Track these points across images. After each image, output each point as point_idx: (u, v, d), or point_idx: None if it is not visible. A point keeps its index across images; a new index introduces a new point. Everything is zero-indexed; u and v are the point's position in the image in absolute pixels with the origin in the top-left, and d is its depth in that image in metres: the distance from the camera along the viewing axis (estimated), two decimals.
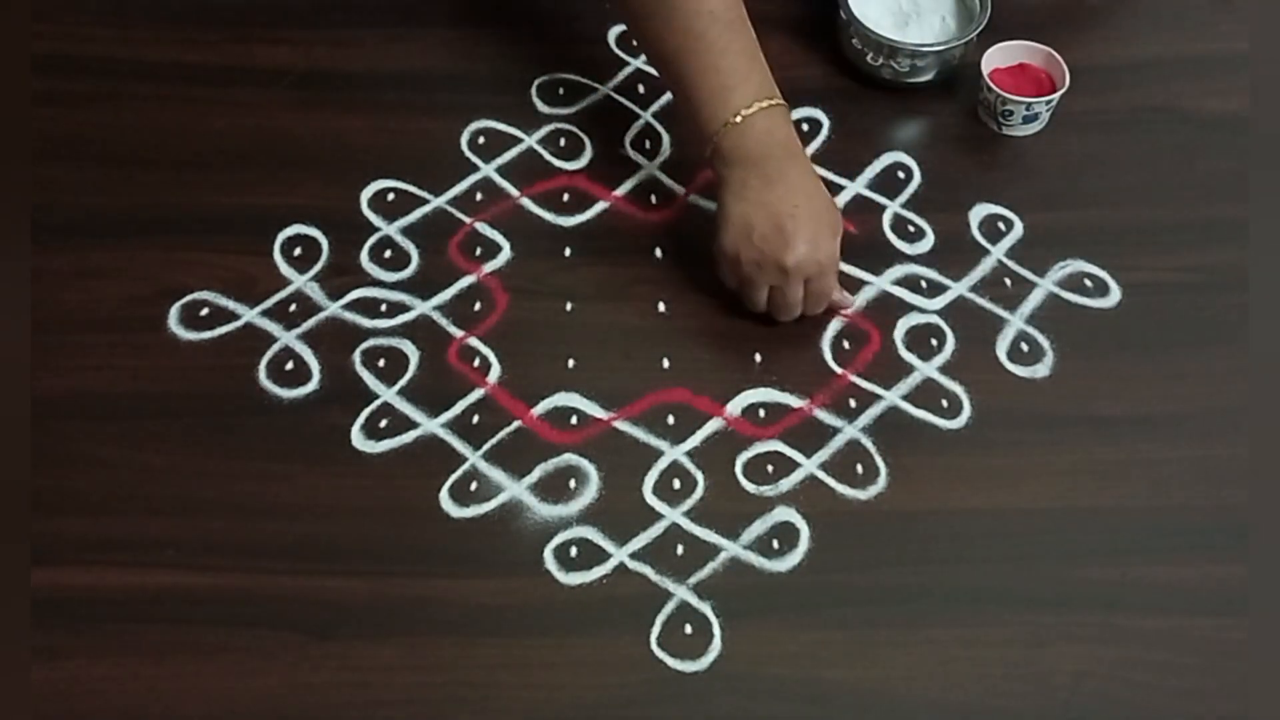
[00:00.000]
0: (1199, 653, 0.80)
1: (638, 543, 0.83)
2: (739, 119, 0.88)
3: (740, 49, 0.89)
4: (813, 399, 0.90)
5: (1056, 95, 1.02)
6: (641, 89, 1.07)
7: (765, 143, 0.88)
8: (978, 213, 1.00)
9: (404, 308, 0.94)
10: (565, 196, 1.00)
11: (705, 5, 0.88)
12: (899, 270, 0.97)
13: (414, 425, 0.88)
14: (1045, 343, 0.93)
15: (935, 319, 0.94)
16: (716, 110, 0.88)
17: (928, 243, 0.98)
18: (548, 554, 0.83)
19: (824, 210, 0.90)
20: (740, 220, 0.89)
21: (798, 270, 0.88)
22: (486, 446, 0.87)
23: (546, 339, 0.93)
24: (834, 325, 0.94)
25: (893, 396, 0.90)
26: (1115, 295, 0.96)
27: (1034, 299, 0.95)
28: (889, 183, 1.02)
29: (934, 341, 0.93)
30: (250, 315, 0.93)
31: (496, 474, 0.86)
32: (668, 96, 1.06)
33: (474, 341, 0.92)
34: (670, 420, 0.89)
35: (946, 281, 0.96)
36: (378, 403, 0.89)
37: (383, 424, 0.88)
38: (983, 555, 0.84)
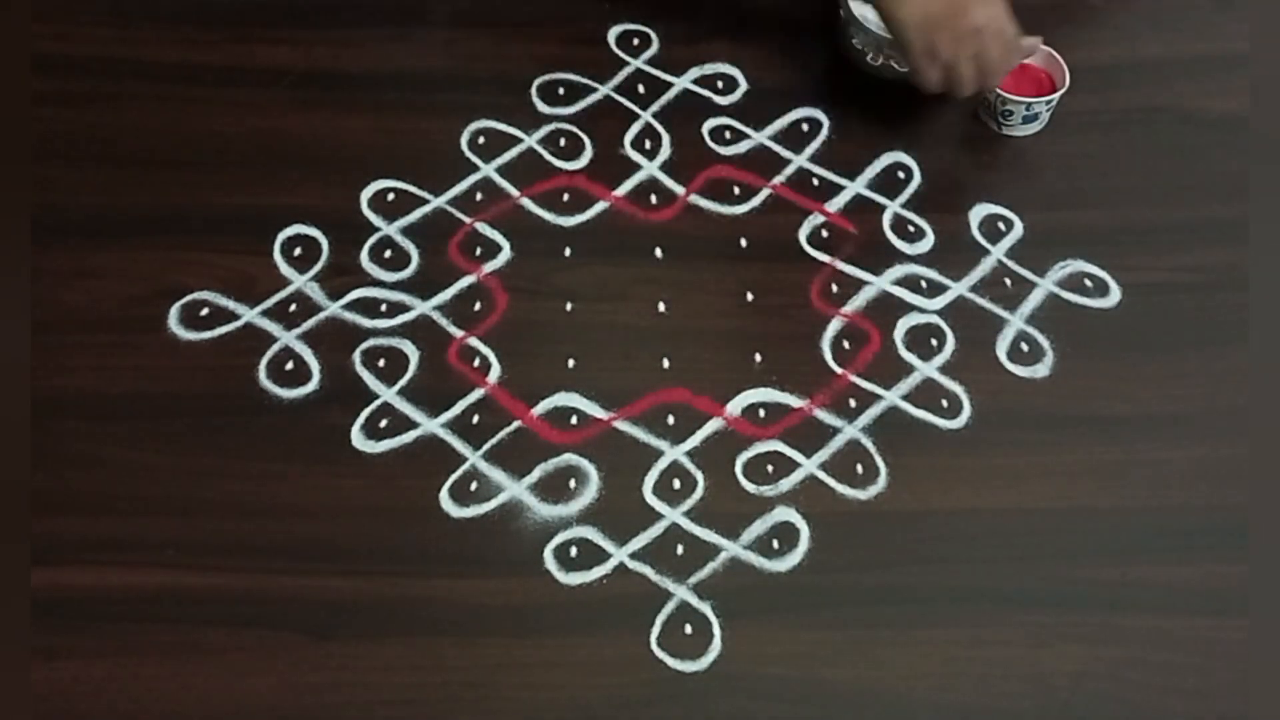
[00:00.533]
0: (1199, 653, 0.80)
1: (638, 543, 0.83)
2: None
3: None
4: (813, 399, 0.90)
5: (1056, 95, 1.02)
6: (641, 89, 1.07)
7: None
8: (978, 213, 1.00)
9: (404, 308, 0.94)
10: (565, 196, 1.00)
11: None
12: (899, 270, 0.97)
13: (414, 425, 0.88)
14: (1045, 343, 0.93)
15: (935, 319, 0.94)
16: None
17: (928, 243, 0.98)
18: (548, 554, 0.83)
19: None
20: (917, 13, 0.93)
21: (988, 26, 0.92)
22: (486, 446, 0.87)
23: (546, 339, 0.93)
24: (834, 325, 0.94)
25: (893, 396, 0.90)
26: (1115, 295, 0.96)
27: (1034, 299, 0.95)
28: (889, 183, 1.02)
29: (934, 341, 0.93)
30: (250, 315, 0.93)
31: (496, 474, 0.86)
32: (668, 96, 1.06)
33: (474, 341, 0.92)
34: (670, 420, 0.89)
35: (946, 281, 0.96)
36: (378, 403, 0.89)
37: (383, 424, 0.88)
38: (983, 555, 0.84)
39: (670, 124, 1.04)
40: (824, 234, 0.98)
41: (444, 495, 0.85)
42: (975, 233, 0.99)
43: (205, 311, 0.93)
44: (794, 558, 0.83)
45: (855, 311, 0.94)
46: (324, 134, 1.02)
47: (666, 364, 0.91)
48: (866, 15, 1.04)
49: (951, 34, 0.93)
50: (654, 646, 0.79)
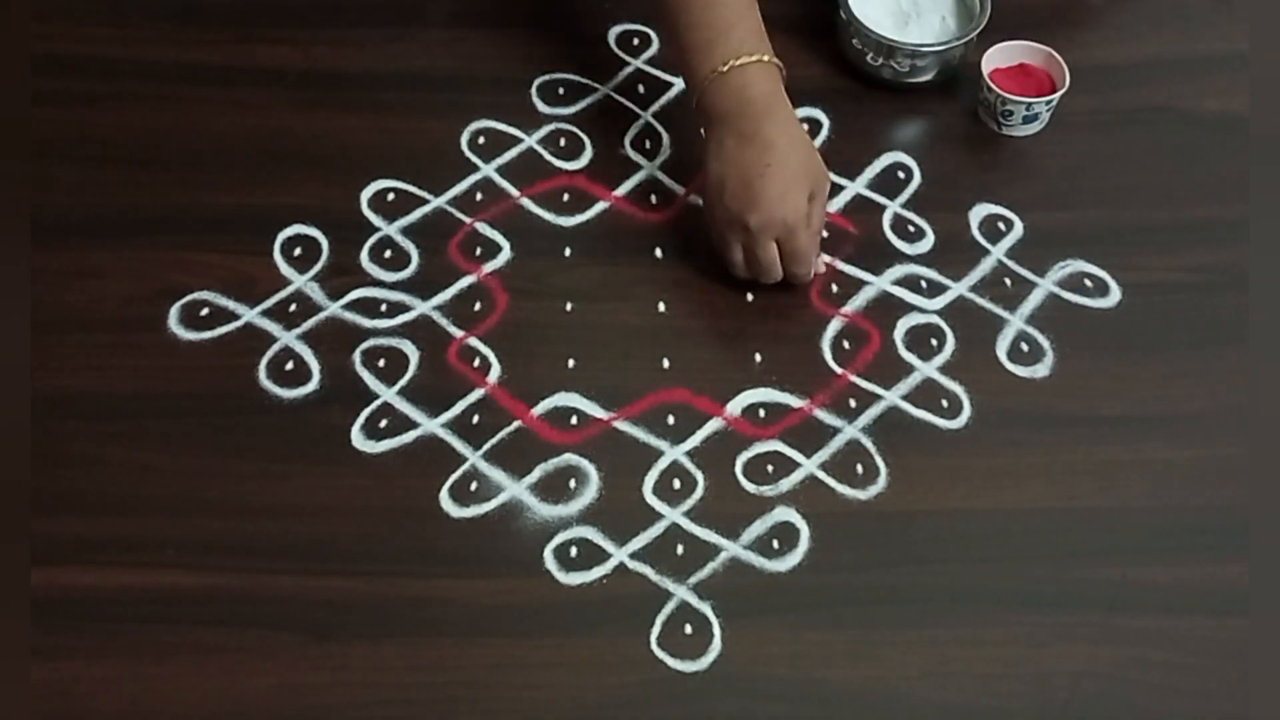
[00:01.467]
0: (1199, 653, 0.80)
1: (638, 543, 0.83)
2: (717, 73, 0.89)
3: (729, 1, 0.91)
4: (813, 399, 0.90)
5: (1057, 95, 1.02)
6: (641, 89, 1.07)
7: (741, 99, 0.89)
8: (978, 213, 1.00)
9: (404, 308, 0.94)
10: (565, 196, 1.00)
11: None
12: (899, 270, 0.97)
13: (414, 425, 0.88)
14: (1045, 343, 0.93)
15: (935, 319, 0.94)
16: (700, 63, 0.90)
17: (928, 243, 0.98)
18: (548, 554, 0.83)
19: (798, 168, 0.90)
20: (715, 179, 0.90)
21: (762, 230, 0.89)
22: (486, 446, 0.87)
23: (546, 339, 0.93)
24: (834, 325, 0.94)
25: (893, 396, 0.90)
26: (1115, 295, 0.96)
27: (1034, 299, 0.95)
28: (889, 183, 1.02)
29: (934, 341, 0.93)
30: (250, 315, 0.93)
31: (496, 474, 0.86)
32: (668, 96, 1.06)
33: (474, 341, 0.92)
34: (670, 420, 0.89)
35: (946, 281, 0.96)
36: (378, 403, 0.89)
37: (383, 424, 0.88)
38: (983, 555, 0.84)
39: (670, 124, 1.04)
40: (824, 234, 0.98)
41: (444, 495, 0.85)
42: (975, 233, 0.99)
43: (205, 311, 0.93)
44: (794, 558, 0.83)
45: (855, 311, 0.94)
46: (324, 134, 1.02)
47: (666, 364, 0.91)
48: (867, 15, 1.04)
49: (731, 228, 0.90)
50: (654, 646, 0.79)
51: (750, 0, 0.92)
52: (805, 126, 1.04)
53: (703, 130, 0.92)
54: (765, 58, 0.91)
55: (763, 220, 0.88)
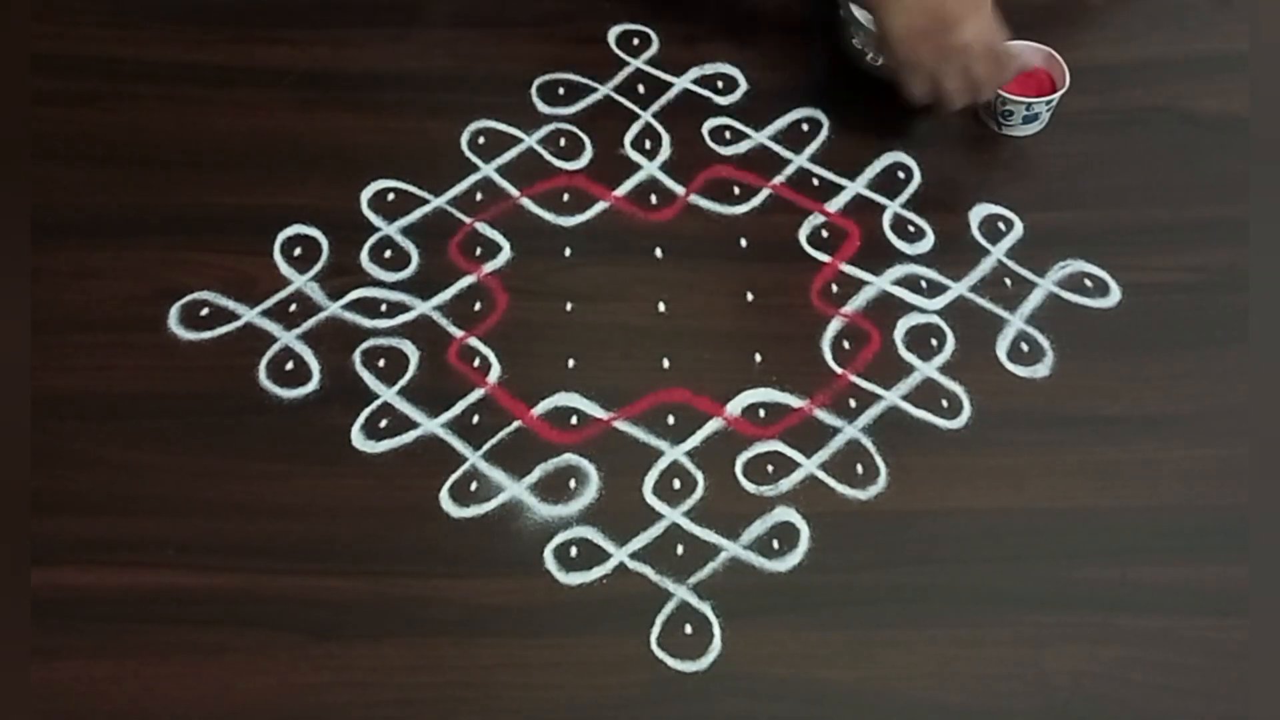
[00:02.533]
0: (1199, 653, 0.80)
1: (638, 543, 0.83)
2: None
3: None
4: (813, 399, 0.90)
5: (1057, 95, 1.02)
6: (641, 89, 1.07)
7: None
8: (978, 213, 1.00)
9: (404, 308, 0.94)
10: (565, 196, 1.00)
11: None
12: (899, 270, 0.97)
13: (414, 425, 0.88)
14: (1045, 343, 0.93)
15: (935, 319, 0.94)
16: None
17: (928, 243, 0.98)
18: (548, 554, 0.83)
19: None
20: (899, 26, 0.92)
21: (977, 38, 0.91)
22: (486, 446, 0.87)
23: (546, 339, 0.93)
24: (834, 325, 0.94)
25: (893, 396, 0.90)
26: (1115, 295, 0.96)
27: (1034, 299, 0.95)
28: (889, 183, 1.02)
29: (934, 341, 0.93)
30: (250, 315, 0.93)
31: (496, 474, 0.86)
32: (668, 96, 1.06)
33: (474, 341, 0.92)
34: (670, 420, 0.89)
35: (947, 281, 0.96)
36: (378, 403, 0.89)
37: (383, 424, 0.88)
38: (983, 555, 0.84)
39: (670, 124, 1.04)
40: (824, 234, 0.98)
41: (444, 495, 0.85)
42: (975, 233, 0.99)
43: (205, 311, 0.93)
44: (794, 558, 0.83)
45: (855, 311, 0.94)
46: (324, 134, 1.02)
47: (666, 364, 0.91)
48: (867, 15, 1.04)
49: (936, 48, 0.92)
50: (654, 646, 0.79)
51: None
52: (805, 126, 1.05)
53: None
54: None
55: (976, 30, 0.91)
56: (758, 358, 0.92)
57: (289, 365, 0.90)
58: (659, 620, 0.80)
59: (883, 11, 0.94)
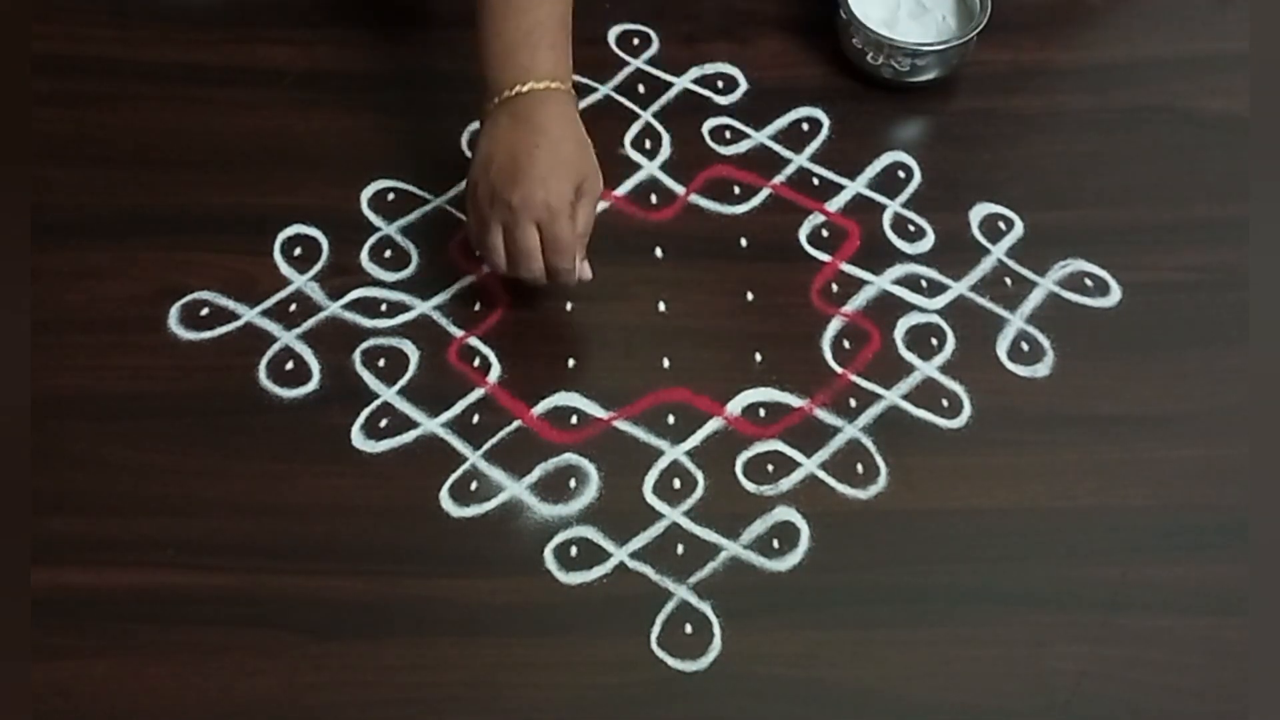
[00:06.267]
0: (1199, 653, 0.80)
1: (638, 542, 0.83)
2: (517, 91, 0.86)
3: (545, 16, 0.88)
4: (813, 398, 0.90)
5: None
6: (641, 89, 1.07)
7: (531, 99, 0.86)
8: (978, 212, 1.00)
9: (404, 307, 0.94)
10: None
11: None
12: (899, 270, 0.97)
13: (414, 425, 0.88)
14: (1045, 342, 0.93)
15: (935, 318, 0.94)
16: (504, 77, 0.87)
17: (928, 242, 0.98)
18: (548, 554, 0.83)
19: (569, 154, 0.87)
20: (483, 155, 0.87)
21: (522, 207, 0.84)
22: (486, 446, 0.87)
23: (546, 339, 0.93)
24: (834, 325, 0.94)
25: (893, 396, 0.90)
26: (1115, 295, 0.96)
27: (1034, 298, 0.95)
28: (889, 182, 1.02)
29: (934, 341, 0.93)
30: (250, 315, 0.93)
31: (496, 474, 0.86)
32: (668, 96, 1.06)
33: (474, 341, 0.92)
34: (670, 420, 0.89)
35: (947, 281, 0.96)
36: (378, 402, 0.89)
37: (383, 424, 0.88)
38: (983, 555, 0.84)
39: (670, 124, 1.04)
40: (824, 234, 0.98)
41: (444, 495, 0.85)
42: (975, 232, 0.99)
43: (205, 311, 0.93)
44: (794, 558, 0.83)
45: (855, 311, 0.94)
46: (324, 134, 1.02)
47: (666, 364, 0.91)
48: (867, 15, 1.04)
49: (492, 205, 0.86)
50: (654, 646, 0.79)
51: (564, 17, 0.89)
52: (805, 126, 1.04)
53: (483, 112, 0.88)
54: (564, 87, 0.88)
55: (524, 196, 0.84)
56: (758, 357, 0.92)
57: (289, 365, 0.90)
58: (659, 620, 0.80)
59: (480, 134, 0.88)
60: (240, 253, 0.96)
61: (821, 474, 0.86)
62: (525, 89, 0.86)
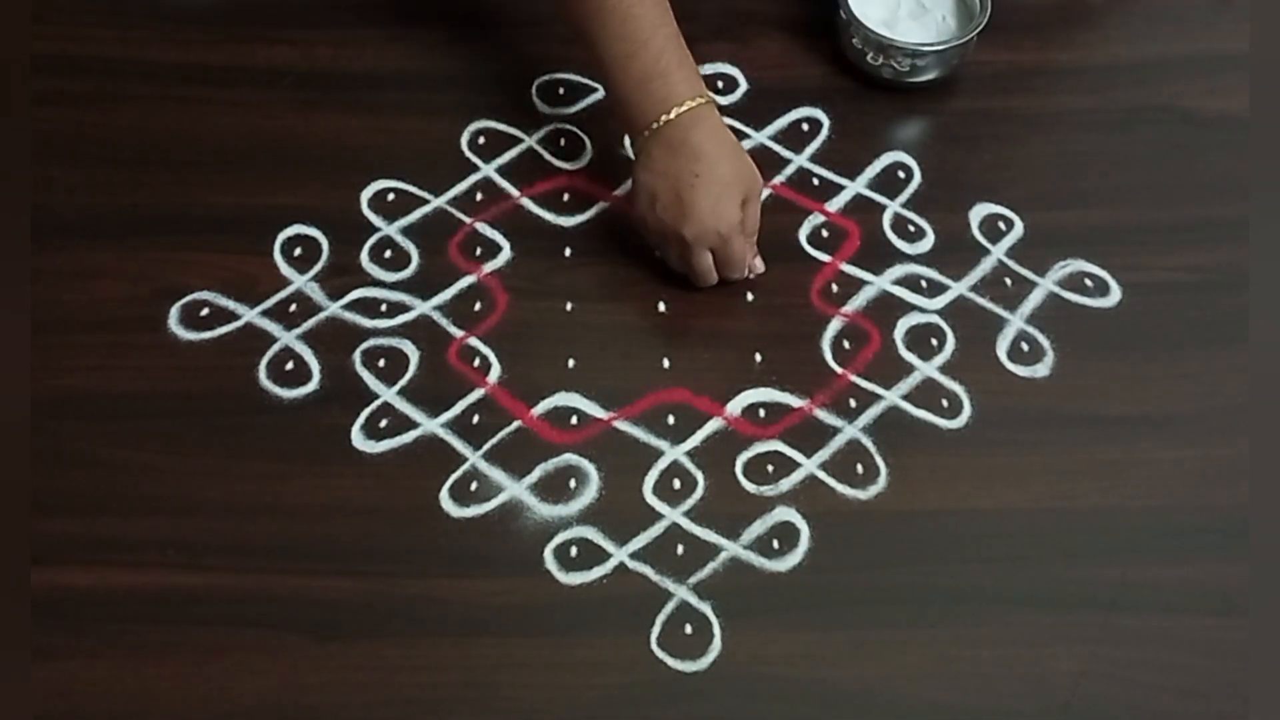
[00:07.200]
0: (1199, 653, 0.80)
1: (638, 543, 0.83)
2: (664, 120, 0.88)
3: (666, 39, 0.90)
4: (813, 399, 0.90)
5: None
6: None
7: (679, 124, 0.88)
8: (978, 212, 1.00)
9: (404, 308, 0.94)
10: (565, 196, 1.00)
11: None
12: (899, 270, 0.97)
13: (414, 425, 0.88)
14: (1045, 342, 0.93)
15: (935, 319, 0.94)
16: (647, 110, 0.89)
17: (928, 242, 0.98)
18: (548, 554, 0.83)
19: (728, 174, 0.89)
20: (645, 189, 0.90)
21: (697, 241, 0.89)
22: (486, 446, 0.87)
23: (546, 339, 0.93)
24: (834, 325, 0.94)
25: (893, 396, 0.90)
26: (1115, 295, 0.96)
27: (1034, 299, 0.95)
28: (889, 182, 1.02)
29: (934, 341, 0.93)
30: (250, 315, 0.93)
31: (496, 474, 0.86)
32: None
33: (474, 341, 0.92)
34: (670, 420, 0.89)
35: (947, 281, 0.96)
36: (378, 403, 0.89)
37: (383, 424, 0.88)
38: (983, 555, 0.84)
39: None
40: (824, 234, 0.98)
41: (444, 495, 0.85)
42: (975, 232, 0.99)
43: (205, 311, 0.93)
44: (794, 558, 0.83)
45: (855, 311, 0.94)
46: (324, 134, 1.02)
47: (666, 364, 0.91)
48: (867, 15, 1.04)
49: (666, 239, 0.91)
50: (654, 646, 0.79)
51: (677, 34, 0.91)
52: (805, 126, 1.04)
53: (627, 138, 0.90)
54: (705, 98, 0.89)
55: (696, 232, 0.89)
56: (758, 357, 0.92)
57: (289, 365, 0.90)
58: (659, 620, 0.80)
59: (636, 166, 0.91)
60: (240, 253, 0.96)
61: (821, 474, 0.86)
62: (670, 117, 0.88)
